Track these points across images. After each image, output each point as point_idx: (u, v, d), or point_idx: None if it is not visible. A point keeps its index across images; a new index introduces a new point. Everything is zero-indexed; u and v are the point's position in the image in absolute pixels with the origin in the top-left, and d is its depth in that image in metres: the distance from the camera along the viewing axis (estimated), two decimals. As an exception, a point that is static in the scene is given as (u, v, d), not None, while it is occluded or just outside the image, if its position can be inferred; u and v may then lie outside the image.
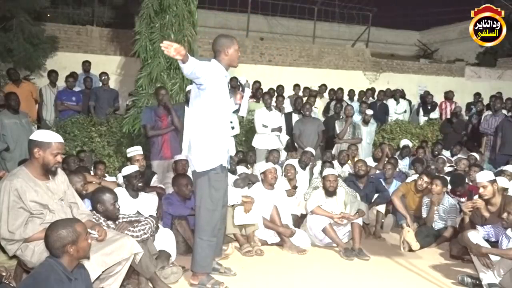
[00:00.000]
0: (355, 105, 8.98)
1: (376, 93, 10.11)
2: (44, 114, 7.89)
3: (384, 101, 9.73)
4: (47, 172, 3.02)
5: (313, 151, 6.40)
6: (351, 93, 9.77)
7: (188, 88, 5.69)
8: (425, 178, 5.42)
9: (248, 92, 3.84)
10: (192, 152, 3.61)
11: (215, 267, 3.89)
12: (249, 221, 4.62)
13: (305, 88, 9.55)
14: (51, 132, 3.10)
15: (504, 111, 7.94)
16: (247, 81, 3.92)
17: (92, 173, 5.14)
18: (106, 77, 8.16)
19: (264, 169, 5.10)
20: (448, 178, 5.54)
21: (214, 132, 3.56)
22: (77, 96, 7.90)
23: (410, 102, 10.50)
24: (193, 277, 3.70)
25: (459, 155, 7.62)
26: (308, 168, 6.26)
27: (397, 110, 9.67)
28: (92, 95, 8.01)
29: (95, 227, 3.08)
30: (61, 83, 8.17)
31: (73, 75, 8.14)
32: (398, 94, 9.89)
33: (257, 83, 9.09)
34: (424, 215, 5.39)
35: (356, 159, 6.91)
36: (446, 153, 7.75)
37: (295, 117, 7.48)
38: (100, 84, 8.24)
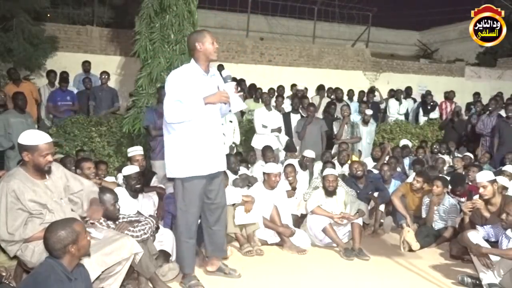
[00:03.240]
0: (355, 105, 8.99)
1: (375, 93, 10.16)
2: (43, 114, 7.90)
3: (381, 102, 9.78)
4: (41, 172, 3.00)
5: (313, 155, 6.32)
6: (350, 93, 9.75)
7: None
8: (417, 178, 5.43)
9: (231, 85, 3.56)
10: (165, 158, 3.58)
11: (220, 267, 3.90)
12: (249, 220, 4.62)
13: (293, 85, 9.55)
14: (37, 132, 3.01)
15: (502, 112, 7.95)
16: (231, 76, 3.68)
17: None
18: (106, 76, 8.18)
19: (269, 171, 5.01)
20: (448, 178, 5.54)
21: (185, 139, 3.45)
22: (71, 95, 7.93)
23: (415, 100, 10.48)
24: (182, 276, 3.73)
25: (458, 155, 7.63)
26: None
27: (399, 111, 9.66)
28: (91, 95, 8.03)
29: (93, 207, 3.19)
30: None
31: (66, 79, 8.14)
32: (400, 94, 9.89)
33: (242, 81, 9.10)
34: (424, 215, 5.39)
35: (354, 158, 6.92)
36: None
37: (294, 117, 7.45)
38: (100, 83, 8.27)
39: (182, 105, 3.37)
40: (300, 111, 7.71)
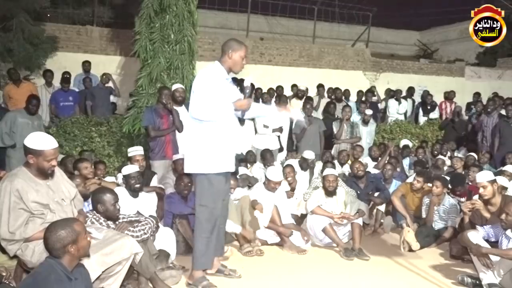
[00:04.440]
0: (352, 104, 8.98)
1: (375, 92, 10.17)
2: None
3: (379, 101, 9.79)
4: (44, 174, 3.01)
5: (313, 155, 6.28)
6: (347, 92, 9.68)
7: (175, 87, 5.71)
8: (418, 178, 5.44)
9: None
10: (189, 153, 3.63)
11: (219, 269, 3.89)
12: (268, 218, 4.72)
13: (293, 86, 9.56)
14: (45, 136, 3.02)
15: (503, 112, 7.95)
16: (249, 87, 3.83)
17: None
18: (105, 77, 8.19)
19: (270, 178, 4.97)
20: (448, 178, 5.54)
21: (216, 137, 3.54)
22: (73, 95, 7.96)
23: (414, 101, 10.48)
24: (190, 276, 3.71)
25: (458, 155, 7.63)
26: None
27: (399, 110, 9.66)
28: (88, 94, 8.05)
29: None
30: (57, 83, 8.20)
31: (68, 80, 8.15)
32: (399, 94, 9.89)
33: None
34: (424, 215, 5.39)
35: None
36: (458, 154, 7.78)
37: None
38: (98, 82, 8.30)
39: (215, 104, 3.48)
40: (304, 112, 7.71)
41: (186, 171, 3.72)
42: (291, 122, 7.36)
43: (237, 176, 5.45)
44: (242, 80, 8.70)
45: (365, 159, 7.19)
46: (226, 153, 3.60)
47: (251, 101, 3.67)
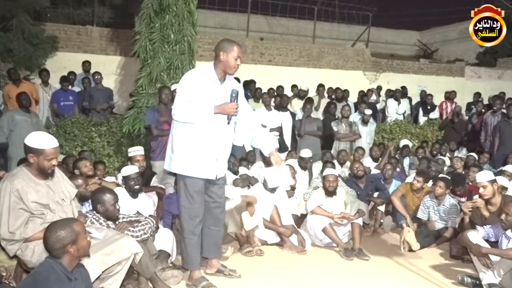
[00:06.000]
0: (351, 104, 8.97)
1: (374, 93, 10.17)
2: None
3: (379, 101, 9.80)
4: (44, 174, 3.02)
5: (310, 153, 6.27)
6: (346, 93, 9.66)
7: (173, 87, 5.67)
8: (418, 178, 5.44)
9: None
10: (168, 152, 3.63)
11: (220, 269, 3.89)
12: (256, 223, 4.63)
13: (293, 86, 9.55)
14: (45, 135, 3.03)
15: (504, 111, 7.94)
16: (236, 91, 3.64)
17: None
18: (99, 76, 8.18)
19: (268, 180, 4.99)
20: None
21: (192, 140, 3.49)
22: (74, 95, 7.95)
23: (410, 99, 10.47)
24: (189, 277, 3.71)
25: (458, 155, 7.62)
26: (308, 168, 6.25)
27: (398, 111, 9.65)
28: (85, 95, 8.04)
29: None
30: (54, 82, 8.18)
31: (68, 79, 8.13)
32: (398, 94, 9.89)
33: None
34: (419, 215, 5.38)
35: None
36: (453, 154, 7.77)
37: (284, 115, 7.42)
38: (93, 84, 8.29)
39: (191, 106, 3.44)
40: (302, 111, 7.72)
41: (166, 167, 3.71)
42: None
43: (237, 176, 5.46)
44: (251, 82, 8.74)
45: (366, 159, 7.19)
46: (202, 158, 3.51)
47: (234, 105, 3.48)
